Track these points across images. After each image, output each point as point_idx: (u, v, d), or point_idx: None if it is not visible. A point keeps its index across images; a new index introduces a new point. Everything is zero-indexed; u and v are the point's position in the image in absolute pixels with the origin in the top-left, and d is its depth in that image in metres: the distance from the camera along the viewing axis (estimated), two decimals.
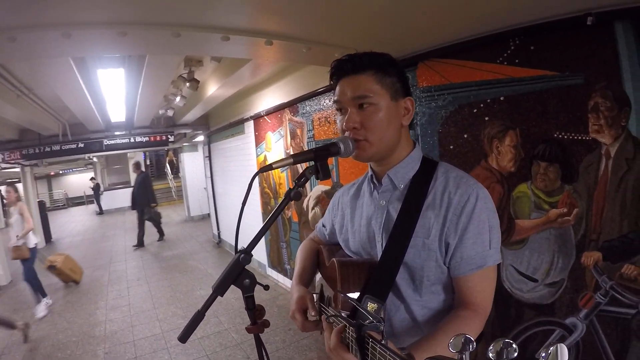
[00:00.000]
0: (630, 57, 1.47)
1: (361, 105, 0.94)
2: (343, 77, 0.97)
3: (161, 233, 8.69)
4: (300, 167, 3.87)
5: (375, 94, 0.93)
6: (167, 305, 4.62)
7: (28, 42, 1.73)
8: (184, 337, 0.83)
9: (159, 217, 8.51)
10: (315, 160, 0.91)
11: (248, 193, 0.88)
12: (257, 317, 0.93)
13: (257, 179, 4.41)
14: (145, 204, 8.04)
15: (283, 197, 0.88)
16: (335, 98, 0.99)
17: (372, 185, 1.08)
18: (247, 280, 0.87)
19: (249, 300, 0.90)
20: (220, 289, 0.83)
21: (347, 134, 0.96)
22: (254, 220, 5.21)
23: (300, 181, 0.88)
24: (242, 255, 0.84)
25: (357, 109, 0.95)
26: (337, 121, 1.01)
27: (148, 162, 24.16)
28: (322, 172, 0.91)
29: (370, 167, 1.08)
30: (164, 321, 4.14)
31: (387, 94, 0.95)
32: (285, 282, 4.73)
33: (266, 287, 1.00)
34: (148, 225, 8.40)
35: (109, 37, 1.81)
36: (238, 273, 0.85)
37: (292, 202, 3.84)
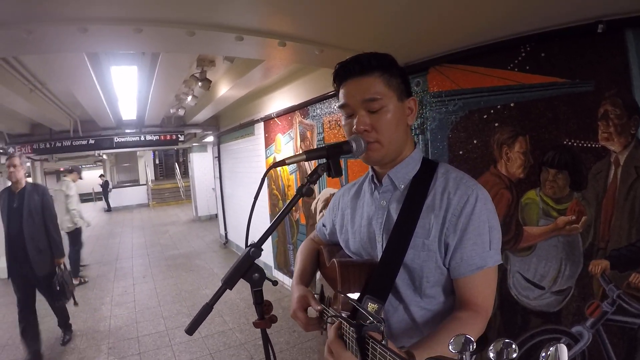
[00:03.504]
0: None
1: (371, 107, 0.94)
2: (349, 79, 0.97)
3: (68, 328, 3.79)
4: (309, 167, 3.89)
5: (384, 96, 0.94)
6: (172, 303, 4.65)
7: (44, 35, 1.75)
8: (191, 330, 0.84)
9: (72, 289, 3.65)
10: (328, 157, 0.91)
11: (260, 188, 0.90)
12: (265, 312, 0.94)
13: (265, 180, 4.39)
14: (47, 259, 3.34)
15: (295, 194, 0.89)
16: (343, 101, 0.98)
17: (372, 185, 1.08)
18: (256, 275, 0.88)
19: (258, 295, 0.92)
20: (229, 282, 0.84)
21: None
22: (261, 221, 5.23)
23: (312, 177, 0.89)
24: (253, 249, 0.85)
25: (367, 111, 0.95)
26: (344, 124, 1.01)
27: (157, 162, 24.33)
28: (334, 170, 0.92)
29: (372, 167, 1.08)
30: (169, 319, 4.16)
31: (394, 96, 0.96)
32: (291, 283, 4.72)
33: (274, 283, 1.01)
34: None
35: (124, 34, 1.84)
36: (248, 267, 0.86)
37: (300, 204, 3.83)
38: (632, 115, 1.51)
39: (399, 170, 1.01)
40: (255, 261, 0.86)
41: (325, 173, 0.92)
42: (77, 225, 5.66)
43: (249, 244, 0.87)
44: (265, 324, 0.93)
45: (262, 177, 0.90)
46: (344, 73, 0.98)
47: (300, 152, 4.28)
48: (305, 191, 0.88)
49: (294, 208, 4.37)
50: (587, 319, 1.72)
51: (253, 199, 0.90)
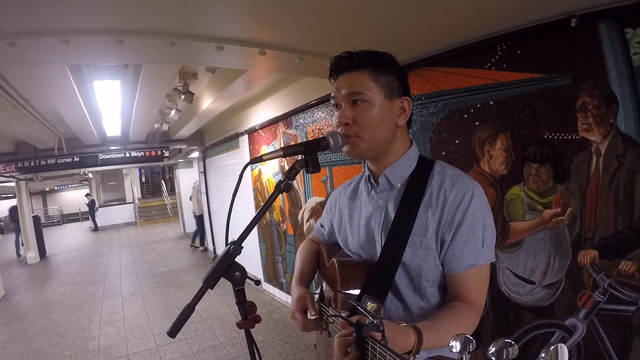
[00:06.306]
0: (614, 55, 1.50)
1: (355, 101, 0.95)
2: (341, 74, 0.99)
3: None
4: (296, 182, 3.86)
5: (369, 91, 0.94)
6: (162, 319, 4.54)
7: (28, 48, 1.74)
8: (173, 332, 0.83)
9: None
10: (305, 153, 0.91)
11: (238, 185, 0.89)
12: (248, 312, 0.92)
13: (252, 192, 4.37)
14: None
15: (273, 189, 0.88)
16: (332, 94, 1.00)
17: (369, 185, 1.07)
18: (237, 273, 0.86)
19: (240, 294, 0.89)
20: (210, 281, 0.83)
21: (340, 129, 0.96)
22: (250, 234, 5.17)
23: (290, 174, 0.88)
24: (233, 246, 0.84)
25: (351, 105, 0.95)
26: (334, 117, 1.02)
27: (143, 179, 24.09)
28: (312, 166, 0.91)
29: (367, 167, 1.08)
30: (159, 336, 4.06)
31: (381, 92, 0.95)
32: (282, 296, 4.66)
33: (257, 282, 0.99)
34: None
35: (106, 45, 1.83)
36: (228, 265, 0.84)
37: (287, 215, 3.80)
38: (609, 105, 1.53)
39: (394, 169, 1.01)
40: (241, 249, 0.85)
41: (303, 169, 0.91)
42: (202, 211, 8.30)
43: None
44: (249, 324, 0.91)
45: (240, 173, 0.89)
46: (336, 68, 1.00)
47: (282, 168, 4.27)
48: (284, 187, 0.87)
49: (281, 219, 4.39)
50: (579, 310, 1.71)
51: (232, 196, 0.89)
